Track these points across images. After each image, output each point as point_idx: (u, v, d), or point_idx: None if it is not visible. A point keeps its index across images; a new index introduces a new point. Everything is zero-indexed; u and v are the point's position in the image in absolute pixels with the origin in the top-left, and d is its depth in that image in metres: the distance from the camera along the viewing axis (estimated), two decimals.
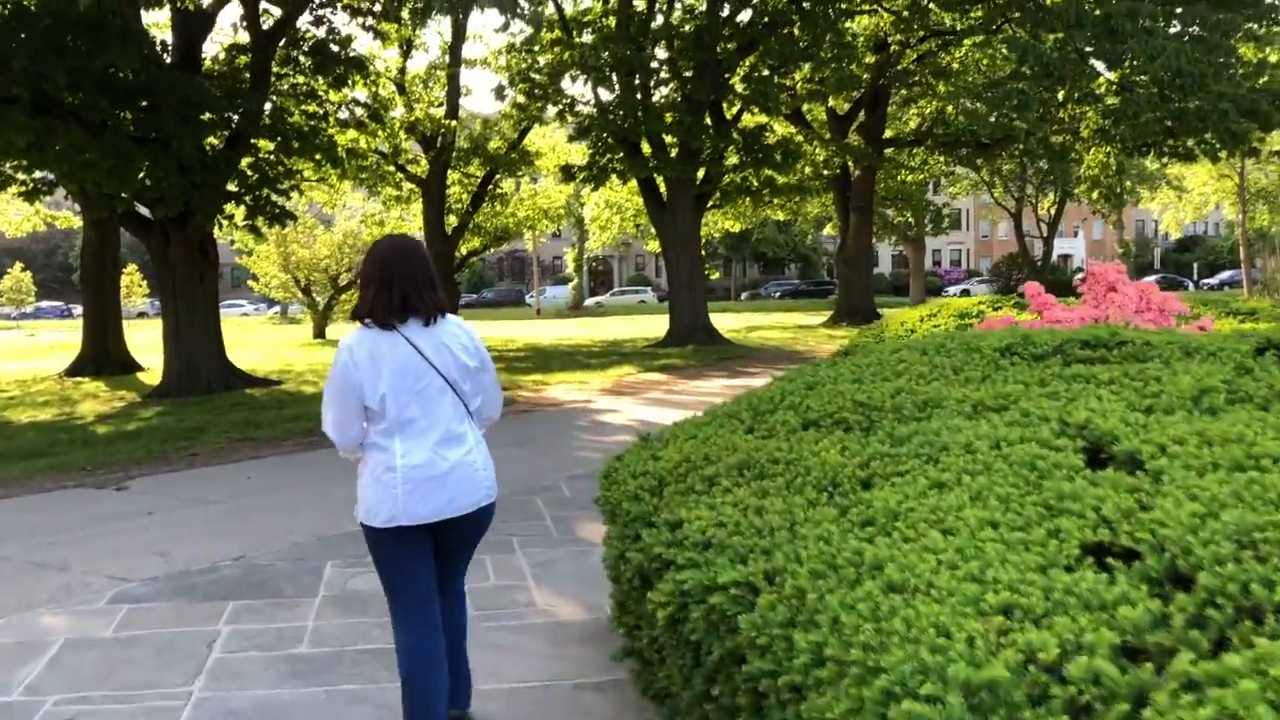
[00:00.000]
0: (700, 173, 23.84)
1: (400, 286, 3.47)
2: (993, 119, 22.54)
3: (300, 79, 19.29)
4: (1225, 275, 77.13)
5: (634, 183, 32.99)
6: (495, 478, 3.70)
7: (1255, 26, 23.62)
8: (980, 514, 2.63)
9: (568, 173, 25.50)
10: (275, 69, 18.39)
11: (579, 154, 28.02)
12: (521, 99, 24.84)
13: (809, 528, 2.88)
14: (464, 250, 31.13)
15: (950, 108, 31.50)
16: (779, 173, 24.61)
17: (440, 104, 27.45)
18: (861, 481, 3.23)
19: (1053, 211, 47.93)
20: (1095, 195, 37.42)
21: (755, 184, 25.67)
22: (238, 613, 5.36)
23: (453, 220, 29.03)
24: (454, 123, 26.84)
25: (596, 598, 5.19)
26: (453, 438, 3.52)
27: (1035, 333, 4.96)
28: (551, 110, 25.19)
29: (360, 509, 3.52)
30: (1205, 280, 77.50)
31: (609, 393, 15.65)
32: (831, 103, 31.29)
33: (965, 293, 63.92)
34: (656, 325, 36.71)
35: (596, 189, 26.54)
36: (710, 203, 26.75)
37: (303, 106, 19.25)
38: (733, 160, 25.07)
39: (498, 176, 29.47)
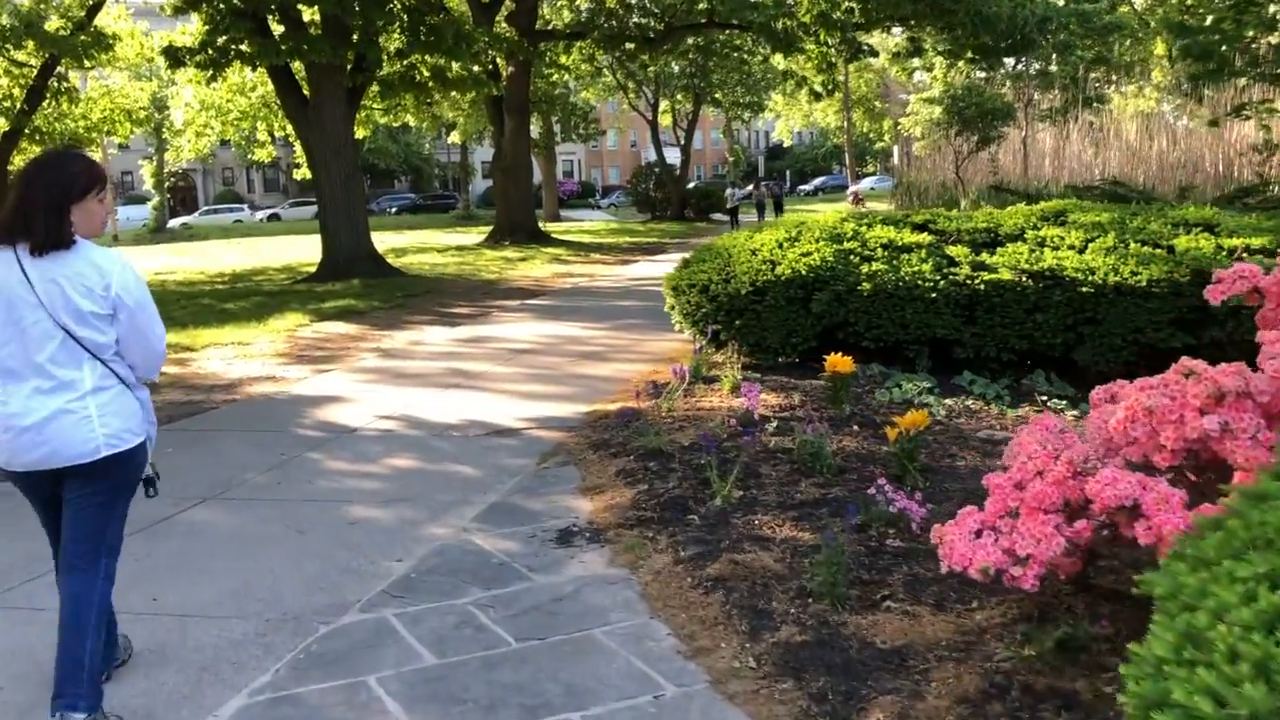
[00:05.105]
0: (351, 57, 18.67)
1: (24, 205, 3.07)
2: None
3: None
4: (818, 181, 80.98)
5: (241, 79, 27.02)
6: (127, 428, 3.21)
7: None
8: None
9: (174, 57, 19.21)
10: None
11: (175, 35, 21.77)
12: None
13: None
14: (19, 161, 23.80)
15: None
16: (454, 59, 19.85)
17: None
18: None
19: (689, 120, 46.32)
20: (804, 96, 35.73)
21: (424, 74, 20.81)
22: None
23: (1, 123, 21.93)
24: None
25: None
26: (58, 385, 3.09)
27: None
28: None
29: None
30: (801, 187, 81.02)
31: (294, 360, 10.89)
32: None
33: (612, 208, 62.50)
34: (279, 250, 31.32)
35: (214, 79, 20.41)
36: (367, 98, 21.59)
37: None
38: (395, 43, 20.05)
39: (61, 68, 22.61)
